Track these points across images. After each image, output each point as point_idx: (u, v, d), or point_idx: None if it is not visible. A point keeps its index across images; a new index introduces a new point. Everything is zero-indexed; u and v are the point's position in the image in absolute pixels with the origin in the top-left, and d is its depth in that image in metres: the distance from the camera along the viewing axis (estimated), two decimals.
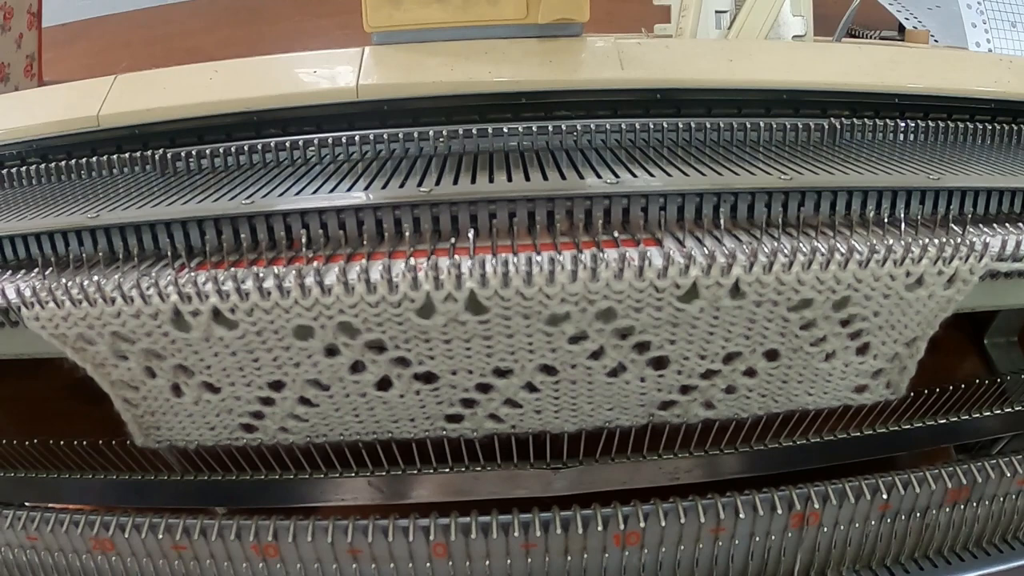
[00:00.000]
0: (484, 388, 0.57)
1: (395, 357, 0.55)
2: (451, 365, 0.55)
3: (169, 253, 0.58)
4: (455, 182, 0.62)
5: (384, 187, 0.63)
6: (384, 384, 0.57)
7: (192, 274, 0.53)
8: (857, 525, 0.65)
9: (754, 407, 0.61)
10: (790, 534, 0.65)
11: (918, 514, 0.66)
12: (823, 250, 0.53)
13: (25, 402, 0.83)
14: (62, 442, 0.68)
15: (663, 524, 0.62)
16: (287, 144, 0.71)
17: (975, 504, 0.67)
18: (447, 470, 0.67)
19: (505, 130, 0.72)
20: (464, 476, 0.67)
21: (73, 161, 0.73)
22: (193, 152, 0.72)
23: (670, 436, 0.65)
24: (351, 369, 0.55)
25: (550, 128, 0.72)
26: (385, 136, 0.71)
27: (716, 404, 0.60)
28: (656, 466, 0.68)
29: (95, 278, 0.53)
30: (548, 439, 0.64)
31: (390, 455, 0.65)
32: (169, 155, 0.72)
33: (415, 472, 0.67)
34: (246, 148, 0.71)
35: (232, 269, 0.54)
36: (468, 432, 0.60)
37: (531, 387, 0.57)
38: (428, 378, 0.56)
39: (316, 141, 0.71)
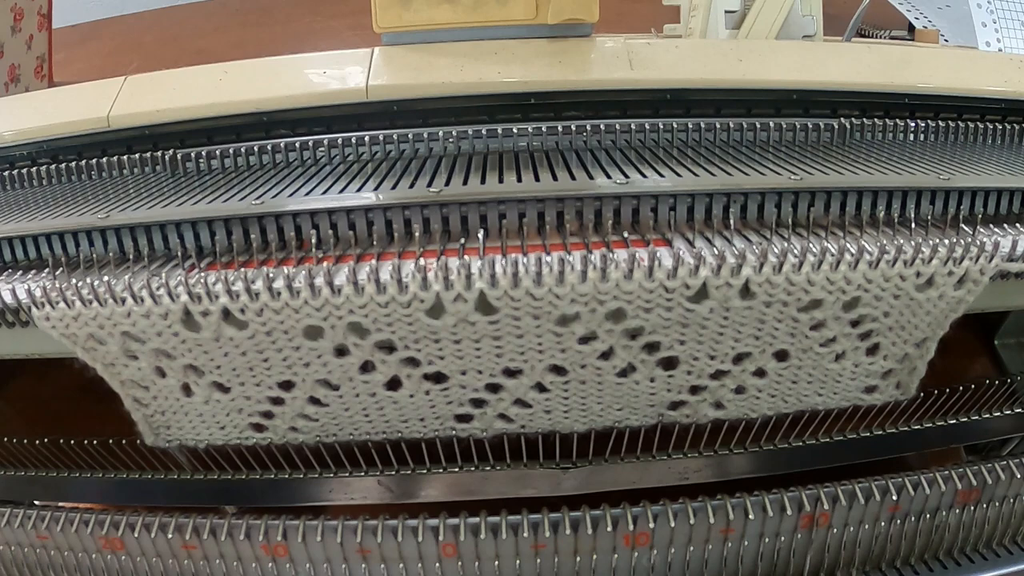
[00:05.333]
0: (494, 388, 0.57)
1: (405, 357, 0.55)
2: (461, 365, 0.55)
3: (179, 253, 0.59)
4: (465, 182, 0.62)
5: (394, 187, 0.63)
6: (394, 384, 0.57)
7: (202, 274, 0.53)
8: (867, 526, 0.65)
9: (764, 407, 0.60)
10: (799, 535, 0.64)
11: (928, 515, 0.66)
12: (833, 250, 0.53)
13: (36, 401, 0.83)
14: (72, 441, 0.68)
15: (672, 525, 0.62)
16: (297, 144, 0.71)
17: (985, 505, 0.67)
18: (456, 470, 0.67)
19: (515, 130, 0.72)
20: (473, 476, 0.67)
21: (83, 162, 0.73)
22: (203, 153, 0.72)
23: (680, 436, 0.65)
24: (361, 369, 0.55)
25: (560, 128, 0.72)
26: (395, 136, 0.71)
27: (726, 404, 0.60)
28: (666, 466, 0.68)
29: (105, 278, 0.53)
30: (558, 439, 0.64)
31: (400, 455, 0.65)
32: (179, 156, 0.72)
33: (424, 472, 0.67)
34: (256, 148, 0.71)
35: (242, 269, 0.54)
36: (478, 432, 0.60)
37: (541, 387, 0.57)
38: (438, 378, 0.56)
39: (326, 141, 0.72)
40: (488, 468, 0.67)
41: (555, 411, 0.59)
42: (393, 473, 0.67)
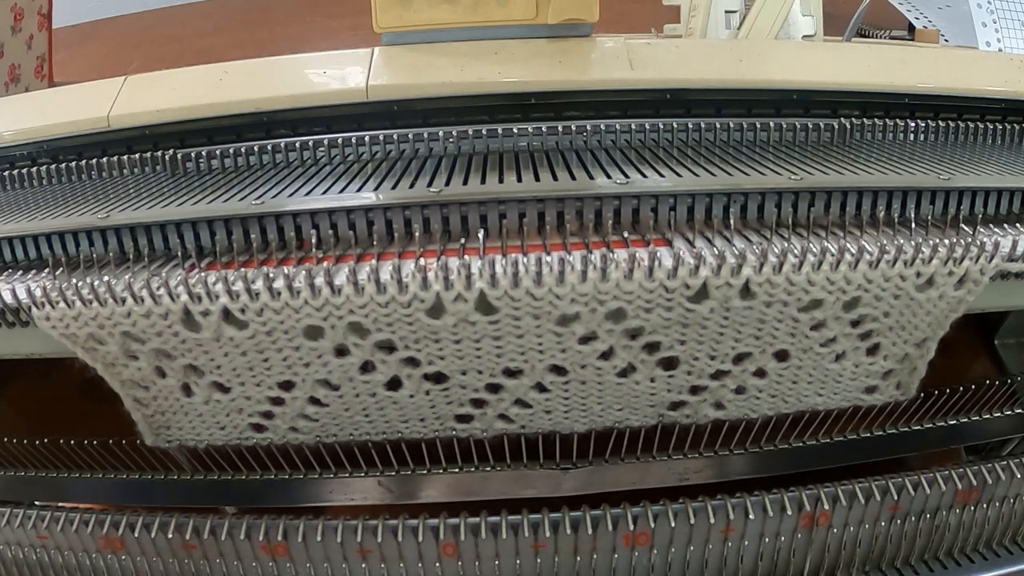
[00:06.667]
0: (494, 388, 0.57)
1: (405, 357, 0.55)
2: (461, 365, 0.55)
3: (179, 253, 0.59)
4: (465, 182, 0.62)
5: (394, 187, 0.63)
6: (394, 384, 0.57)
7: (202, 274, 0.53)
8: (867, 526, 0.65)
9: (764, 408, 0.60)
10: (799, 535, 0.64)
11: (928, 515, 0.66)
12: (833, 250, 0.53)
13: (36, 402, 0.83)
14: (72, 441, 0.68)
15: (673, 525, 0.62)
16: (297, 144, 0.71)
17: (985, 505, 0.67)
18: (457, 470, 0.67)
19: (515, 130, 0.72)
20: (474, 476, 0.67)
21: (84, 162, 0.73)
22: (203, 152, 0.72)
23: (680, 437, 0.65)
24: (361, 369, 0.55)
25: (560, 128, 0.72)
26: (395, 136, 0.71)
27: (726, 404, 0.60)
28: (666, 467, 0.68)
29: (106, 278, 0.53)
30: (558, 439, 0.64)
31: (400, 455, 0.65)
32: (179, 155, 0.72)
33: (425, 472, 0.67)
34: (256, 148, 0.71)
35: (242, 269, 0.54)
36: (478, 432, 0.60)
37: (541, 387, 0.57)
38: (438, 378, 0.56)
39: (326, 141, 0.72)
40: (488, 468, 0.67)
41: (555, 411, 0.59)
42: (393, 473, 0.67)
